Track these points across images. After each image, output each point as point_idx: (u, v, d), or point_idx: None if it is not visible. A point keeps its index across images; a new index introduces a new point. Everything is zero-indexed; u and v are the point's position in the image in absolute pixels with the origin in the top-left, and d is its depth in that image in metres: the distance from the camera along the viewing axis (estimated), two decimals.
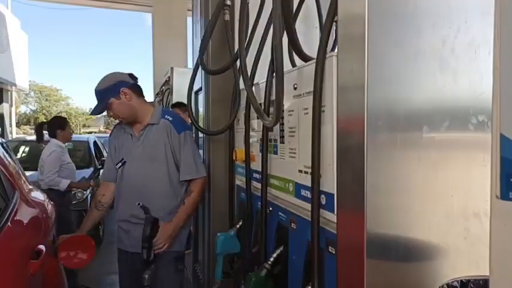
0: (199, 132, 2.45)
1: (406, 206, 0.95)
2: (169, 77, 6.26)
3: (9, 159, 1.80)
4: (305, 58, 1.27)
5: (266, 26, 1.58)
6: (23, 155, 6.21)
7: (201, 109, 2.44)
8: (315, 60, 1.11)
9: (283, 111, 1.38)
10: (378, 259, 0.94)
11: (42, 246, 1.49)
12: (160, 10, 8.62)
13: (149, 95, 9.83)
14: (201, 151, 2.62)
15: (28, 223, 1.60)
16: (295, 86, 1.31)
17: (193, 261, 2.80)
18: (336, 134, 1.03)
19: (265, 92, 1.47)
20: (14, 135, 13.20)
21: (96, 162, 5.74)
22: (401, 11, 0.93)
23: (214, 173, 2.15)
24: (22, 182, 1.77)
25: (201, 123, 2.31)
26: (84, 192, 4.67)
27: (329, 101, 1.09)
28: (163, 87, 7.18)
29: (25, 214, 1.61)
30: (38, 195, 1.99)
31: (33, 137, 8.97)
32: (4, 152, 1.77)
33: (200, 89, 2.37)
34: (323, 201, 1.13)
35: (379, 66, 0.91)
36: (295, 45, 1.23)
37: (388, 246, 0.94)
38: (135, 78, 2.14)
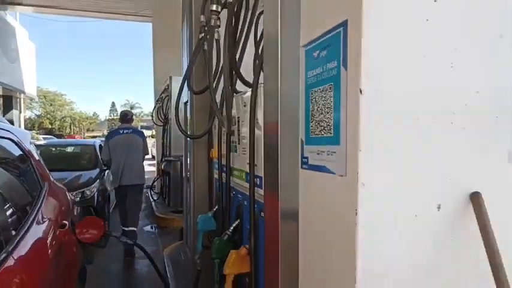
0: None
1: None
2: (168, 85, 6.85)
3: (39, 157, 2.36)
4: (249, 85, 1.82)
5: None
6: None
7: (188, 117, 2.99)
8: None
9: (238, 122, 1.93)
10: (287, 221, 1.45)
11: (66, 222, 2.04)
12: (160, 21, 9.17)
13: (151, 101, 10.28)
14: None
15: (56, 204, 2.15)
16: (245, 104, 1.86)
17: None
18: (263, 137, 1.57)
19: (226, 108, 2.02)
20: None
21: (102, 164, 6.30)
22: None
23: (197, 168, 2.70)
24: (49, 175, 2.33)
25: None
26: (92, 190, 5.24)
27: (260, 115, 1.63)
28: (162, 95, 7.77)
29: (54, 198, 2.16)
30: (60, 187, 2.55)
31: (43, 142, 9.58)
32: (35, 151, 2.34)
33: (187, 101, 2.93)
34: (257, 182, 1.67)
35: (290, 93, 1.42)
36: (241, 78, 1.78)
37: (292, 213, 1.45)
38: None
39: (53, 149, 6.95)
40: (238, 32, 1.87)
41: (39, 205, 1.78)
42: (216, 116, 2.27)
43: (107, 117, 74.21)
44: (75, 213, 4.76)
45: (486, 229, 0.81)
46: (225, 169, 2.21)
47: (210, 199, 2.62)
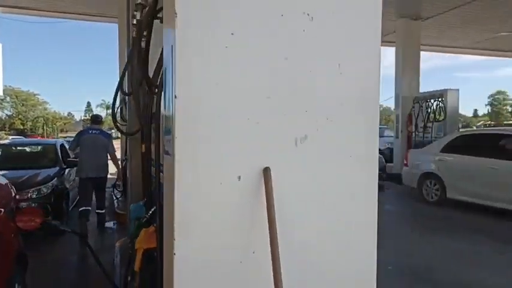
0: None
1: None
2: None
3: None
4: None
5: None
6: None
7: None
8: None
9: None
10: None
11: (1, 209, 2.30)
12: (124, 22, 9.34)
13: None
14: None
15: None
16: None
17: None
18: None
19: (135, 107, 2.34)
20: None
21: (62, 162, 6.48)
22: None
23: (133, 163, 3.00)
24: None
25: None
26: (49, 187, 5.42)
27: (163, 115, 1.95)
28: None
29: None
30: (2, 179, 2.80)
31: (6, 141, 9.60)
32: None
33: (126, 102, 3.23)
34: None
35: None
36: (152, 84, 2.10)
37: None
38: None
39: (14, 148, 7.07)
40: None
41: None
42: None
43: (82, 118, 72.85)
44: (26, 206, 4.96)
45: (269, 195, 1.16)
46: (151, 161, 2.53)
47: (144, 189, 2.92)
